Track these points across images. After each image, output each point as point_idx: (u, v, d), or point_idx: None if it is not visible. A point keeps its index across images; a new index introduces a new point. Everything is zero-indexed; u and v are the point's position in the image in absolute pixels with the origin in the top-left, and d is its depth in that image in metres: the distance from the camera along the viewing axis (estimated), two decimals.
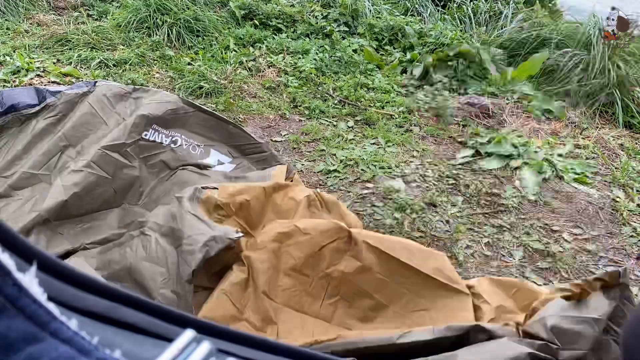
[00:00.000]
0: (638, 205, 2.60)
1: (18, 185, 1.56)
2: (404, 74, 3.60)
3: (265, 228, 1.46)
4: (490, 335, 1.10)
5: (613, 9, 3.75)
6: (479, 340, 1.10)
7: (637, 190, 2.71)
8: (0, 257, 0.25)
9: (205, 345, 0.28)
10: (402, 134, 2.96)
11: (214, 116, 1.91)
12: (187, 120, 1.83)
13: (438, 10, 4.56)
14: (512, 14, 4.26)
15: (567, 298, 1.09)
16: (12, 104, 1.68)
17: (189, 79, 3.15)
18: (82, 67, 3.27)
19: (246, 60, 3.48)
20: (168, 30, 3.62)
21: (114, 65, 3.29)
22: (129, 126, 1.68)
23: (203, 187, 1.48)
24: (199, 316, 1.15)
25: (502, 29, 4.13)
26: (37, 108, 1.71)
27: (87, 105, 1.73)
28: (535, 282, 2.07)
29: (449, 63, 3.60)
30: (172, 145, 1.76)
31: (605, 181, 2.77)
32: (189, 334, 0.29)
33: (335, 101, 3.20)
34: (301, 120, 3.01)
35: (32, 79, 3.07)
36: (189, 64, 3.37)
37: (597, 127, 3.30)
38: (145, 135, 1.72)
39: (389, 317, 1.31)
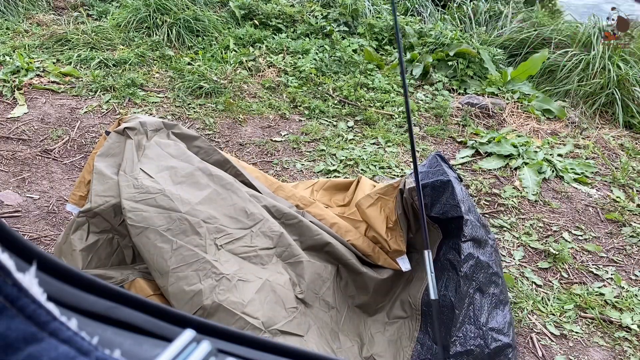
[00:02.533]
0: (638, 205, 2.60)
1: None
2: None
3: None
4: None
5: (613, 9, 3.76)
6: None
7: (637, 190, 2.71)
8: (0, 257, 0.25)
9: (205, 345, 0.28)
10: (402, 134, 2.96)
11: None
12: None
13: (438, 10, 4.56)
14: (512, 14, 4.26)
15: None
16: None
17: (188, 79, 3.15)
18: (81, 67, 3.27)
19: (246, 60, 3.48)
20: (168, 30, 3.62)
21: (113, 65, 3.29)
22: None
23: None
24: None
25: (502, 29, 4.13)
26: None
27: None
28: (535, 283, 2.07)
29: (449, 63, 3.60)
30: None
31: (605, 181, 2.77)
32: (188, 334, 0.29)
33: (335, 101, 3.20)
34: (301, 120, 3.01)
35: (31, 79, 3.07)
36: (188, 63, 3.37)
37: (597, 127, 3.30)
38: None
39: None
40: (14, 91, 2.93)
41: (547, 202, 2.55)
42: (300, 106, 3.12)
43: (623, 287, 2.09)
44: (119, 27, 3.68)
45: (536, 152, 2.86)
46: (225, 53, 3.52)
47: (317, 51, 3.62)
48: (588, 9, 4.28)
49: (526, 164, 2.76)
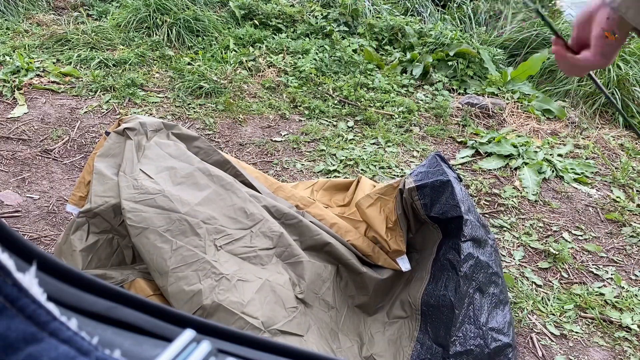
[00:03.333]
0: (638, 205, 2.60)
1: None
2: (404, 74, 3.60)
3: None
4: None
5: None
6: None
7: (637, 190, 2.71)
8: (0, 257, 0.25)
9: (205, 346, 0.28)
10: (402, 134, 2.96)
11: None
12: None
13: (438, 10, 4.56)
14: (512, 14, 4.26)
15: None
16: None
17: (188, 79, 3.15)
18: (81, 67, 3.27)
19: (246, 60, 3.48)
20: (168, 30, 3.62)
21: (113, 65, 3.29)
22: None
23: None
24: None
25: (502, 28, 4.13)
26: None
27: None
28: (535, 283, 2.07)
29: (449, 63, 3.60)
30: None
31: (605, 181, 2.77)
32: (188, 334, 0.29)
33: (335, 101, 3.20)
34: (301, 120, 3.01)
35: (31, 79, 3.07)
36: (188, 63, 3.37)
37: (597, 127, 3.30)
38: None
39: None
40: (14, 91, 2.93)
41: (547, 202, 2.55)
42: (300, 106, 3.12)
43: (623, 287, 2.09)
44: (119, 27, 3.68)
45: (536, 152, 2.86)
46: (225, 53, 3.52)
47: (317, 51, 3.62)
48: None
49: (526, 164, 2.76)
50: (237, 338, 0.33)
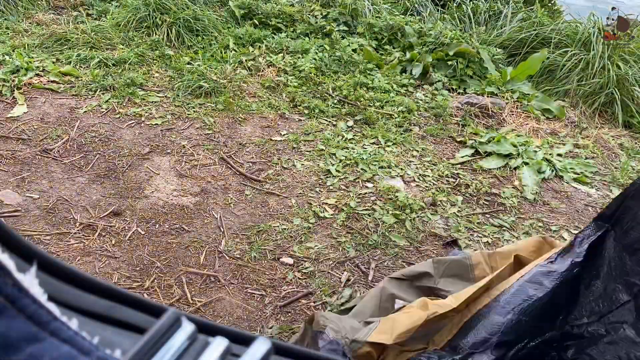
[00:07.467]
0: None
1: None
2: (404, 74, 3.60)
3: None
4: None
5: (613, 8, 3.75)
6: None
7: None
8: (0, 258, 0.25)
9: (188, 326, 0.28)
10: (402, 134, 2.96)
11: None
12: None
13: (437, 10, 4.56)
14: (512, 13, 4.26)
15: None
16: None
17: (188, 79, 3.15)
18: (81, 67, 3.27)
19: (246, 60, 3.48)
20: (167, 30, 3.62)
21: (113, 64, 3.29)
22: None
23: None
24: None
25: (501, 28, 4.13)
26: None
27: None
28: None
29: (449, 62, 3.60)
30: None
31: (604, 181, 2.77)
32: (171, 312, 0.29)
33: (335, 101, 3.20)
34: (301, 120, 3.01)
35: (31, 78, 3.06)
36: (188, 63, 3.37)
37: (597, 127, 3.30)
38: None
39: None
40: (14, 90, 2.93)
41: (546, 202, 2.55)
42: (299, 106, 3.12)
43: None
44: (119, 27, 3.68)
45: (536, 151, 2.86)
46: (224, 52, 3.52)
47: (317, 51, 3.62)
48: (588, 8, 4.28)
49: (526, 163, 2.76)
50: (238, 339, 0.33)
